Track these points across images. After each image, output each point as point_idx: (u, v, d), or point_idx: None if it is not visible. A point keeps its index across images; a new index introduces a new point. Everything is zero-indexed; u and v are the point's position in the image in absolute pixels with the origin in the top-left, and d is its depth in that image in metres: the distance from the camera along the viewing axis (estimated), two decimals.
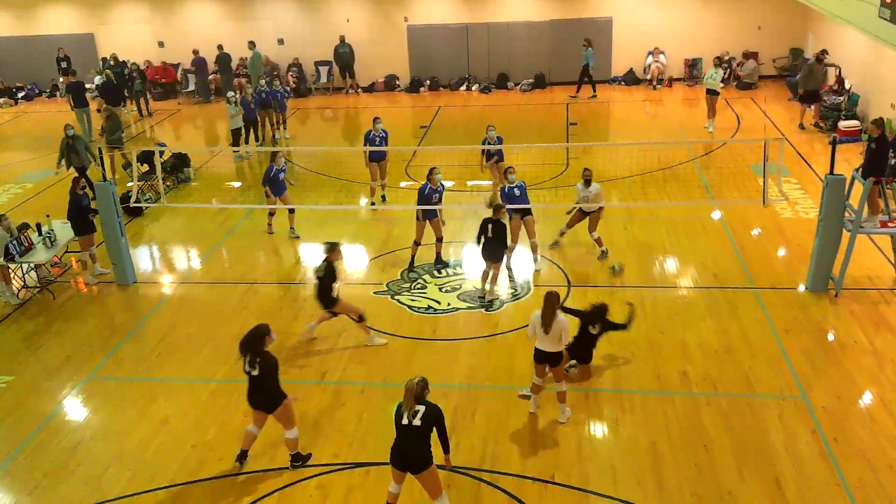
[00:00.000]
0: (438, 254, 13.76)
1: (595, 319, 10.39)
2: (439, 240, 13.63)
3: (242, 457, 9.12)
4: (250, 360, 8.58)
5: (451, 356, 11.10)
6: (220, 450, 9.42)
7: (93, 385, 10.93)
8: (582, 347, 10.45)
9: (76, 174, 16.59)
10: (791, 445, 9.01)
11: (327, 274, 10.97)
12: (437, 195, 13.29)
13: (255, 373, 8.59)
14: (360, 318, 11.34)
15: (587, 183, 13.57)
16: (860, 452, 8.86)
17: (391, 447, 7.82)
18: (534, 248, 13.48)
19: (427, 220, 13.40)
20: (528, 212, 13.35)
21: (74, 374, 11.16)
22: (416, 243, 13.59)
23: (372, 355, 11.18)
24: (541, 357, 9.34)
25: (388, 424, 9.61)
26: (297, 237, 15.27)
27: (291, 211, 15.34)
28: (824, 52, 20.45)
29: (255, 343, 8.62)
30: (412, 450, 7.67)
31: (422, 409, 7.55)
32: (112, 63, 25.94)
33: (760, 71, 25.38)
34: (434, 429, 7.62)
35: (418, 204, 13.36)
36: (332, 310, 11.28)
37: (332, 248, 11.04)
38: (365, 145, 16.32)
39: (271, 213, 15.55)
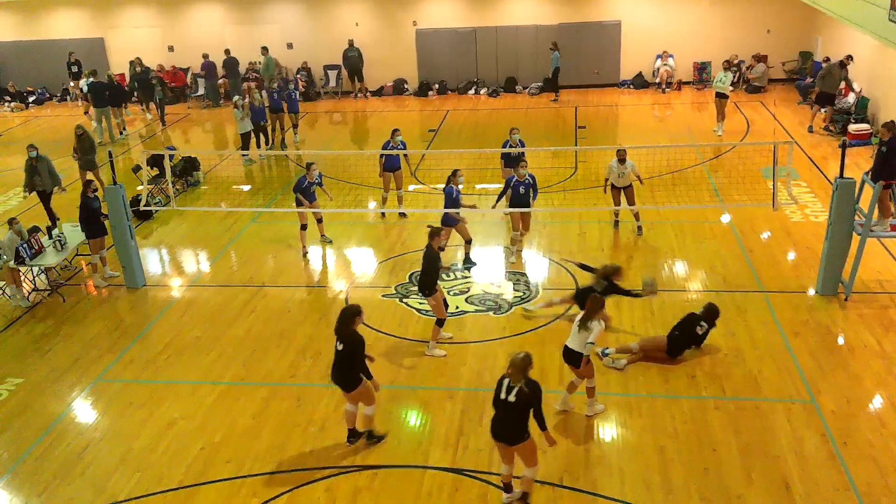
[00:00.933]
0: (468, 255, 13.89)
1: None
2: (468, 242, 13.80)
3: (352, 435, 9.37)
4: (339, 336, 8.84)
5: (459, 359, 11.09)
6: (228, 452, 9.44)
7: (101, 387, 10.97)
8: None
9: (40, 194, 16.07)
10: (799, 448, 8.97)
11: (431, 260, 10.91)
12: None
13: (340, 347, 8.82)
14: (440, 322, 11.22)
15: (622, 161, 14.23)
16: (869, 456, 8.81)
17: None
18: (514, 241, 14.01)
19: (453, 226, 13.53)
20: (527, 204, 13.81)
21: (83, 377, 11.21)
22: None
23: (378, 358, 11.17)
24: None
25: (395, 427, 9.70)
26: (330, 241, 15.15)
27: (320, 220, 15.05)
28: (849, 57, 20.10)
29: (346, 321, 8.81)
30: (507, 426, 7.92)
31: (519, 384, 7.73)
32: (137, 69, 25.92)
33: (770, 74, 25.32)
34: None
35: (447, 207, 13.41)
36: (428, 299, 11.08)
37: (435, 233, 10.98)
38: (382, 156, 15.95)
39: (303, 227, 14.68)
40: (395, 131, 15.99)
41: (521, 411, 7.78)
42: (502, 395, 7.79)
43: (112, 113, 23.25)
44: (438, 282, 11.09)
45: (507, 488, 8.40)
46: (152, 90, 25.18)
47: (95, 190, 13.73)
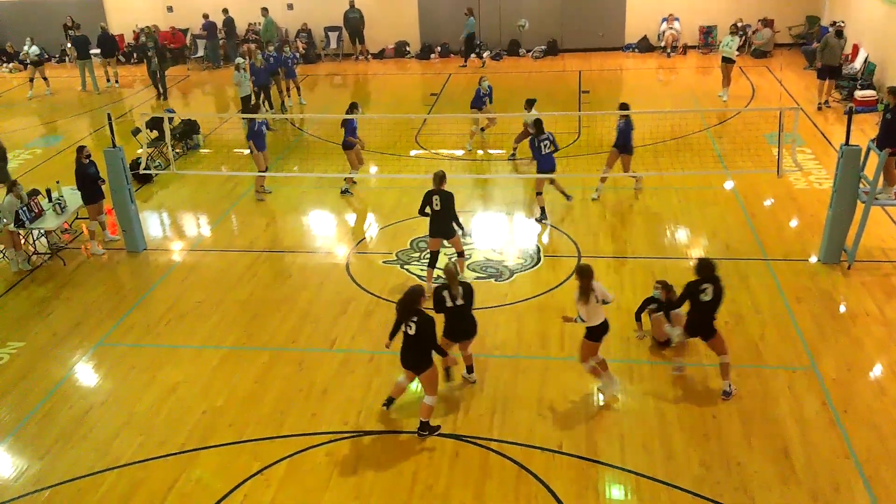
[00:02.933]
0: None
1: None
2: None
3: (389, 402, 9.43)
4: (408, 320, 8.73)
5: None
6: (230, 416, 9.47)
7: (103, 351, 10.98)
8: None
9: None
10: (800, 415, 8.99)
11: (445, 203, 11.33)
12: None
13: (412, 332, 8.70)
14: (461, 255, 11.86)
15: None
16: (869, 422, 8.83)
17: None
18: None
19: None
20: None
21: (84, 341, 11.22)
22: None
23: (381, 324, 11.17)
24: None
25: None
26: (269, 192, 15.85)
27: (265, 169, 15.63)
28: (841, 22, 19.83)
29: (413, 302, 8.73)
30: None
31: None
32: (146, 34, 24.67)
33: (776, 39, 25.02)
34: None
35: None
36: (450, 241, 11.69)
37: (441, 178, 11.38)
38: (476, 101, 17.62)
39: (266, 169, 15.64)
40: (482, 78, 17.85)
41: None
42: (448, 304, 9.14)
43: (106, 63, 25.02)
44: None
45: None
46: (148, 60, 23.58)
47: (89, 155, 13.56)
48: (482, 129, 18.07)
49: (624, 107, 14.57)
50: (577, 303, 8.99)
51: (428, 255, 11.93)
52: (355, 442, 8.97)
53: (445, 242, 11.82)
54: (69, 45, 27.02)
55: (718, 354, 9.35)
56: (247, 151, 18.43)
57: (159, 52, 23.33)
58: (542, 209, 14.02)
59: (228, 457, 8.85)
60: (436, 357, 8.90)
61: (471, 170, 16.78)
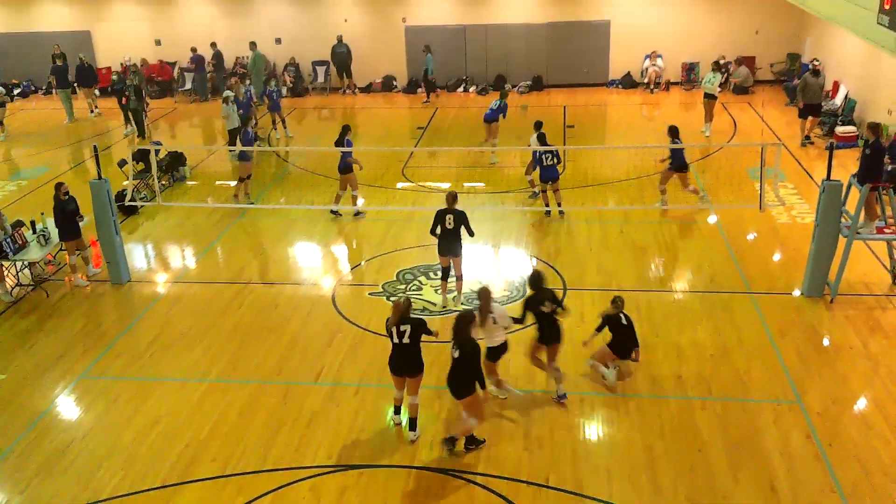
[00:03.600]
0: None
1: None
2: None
3: (450, 442, 9.23)
4: (456, 342, 8.85)
5: (446, 358, 10.98)
6: (213, 449, 9.38)
7: (85, 383, 10.88)
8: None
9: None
10: (785, 449, 9.00)
11: (458, 222, 11.83)
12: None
13: (457, 355, 8.80)
14: (459, 278, 12.14)
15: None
16: (855, 457, 8.85)
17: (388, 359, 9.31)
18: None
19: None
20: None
21: (67, 373, 11.11)
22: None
23: (367, 356, 11.14)
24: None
25: (383, 426, 9.67)
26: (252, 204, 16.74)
27: (249, 178, 16.84)
28: (816, 61, 20.07)
29: (464, 327, 8.81)
30: (405, 362, 9.13)
31: (408, 327, 8.98)
32: (113, 77, 24.84)
33: (757, 76, 25.42)
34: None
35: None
36: (455, 261, 12.10)
37: (454, 197, 12.04)
38: (491, 112, 18.78)
39: (242, 180, 16.77)
40: (502, 91, 19.34)
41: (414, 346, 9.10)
42: (395, 339, 9.10)
43: (83, 94, 25.51)
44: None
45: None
46: (126, 99, 22.52)
47: (67, 192, 13.40)
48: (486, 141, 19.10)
49: (674, 131, 15.54)
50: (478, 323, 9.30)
51: (415, 285, 11.95)
52: (340, 476, 8.90)
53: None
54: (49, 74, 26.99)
55: (550, 362, 9.92)
56: (233, 183, 18.48)
57: (137, 90, 22.27)
58: (549, 205, 15.50)
59: (212, 490, 8.75)
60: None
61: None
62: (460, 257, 12.14)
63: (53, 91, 27.72)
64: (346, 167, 15.45)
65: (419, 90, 27.01)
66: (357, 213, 16.04)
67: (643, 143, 20.08)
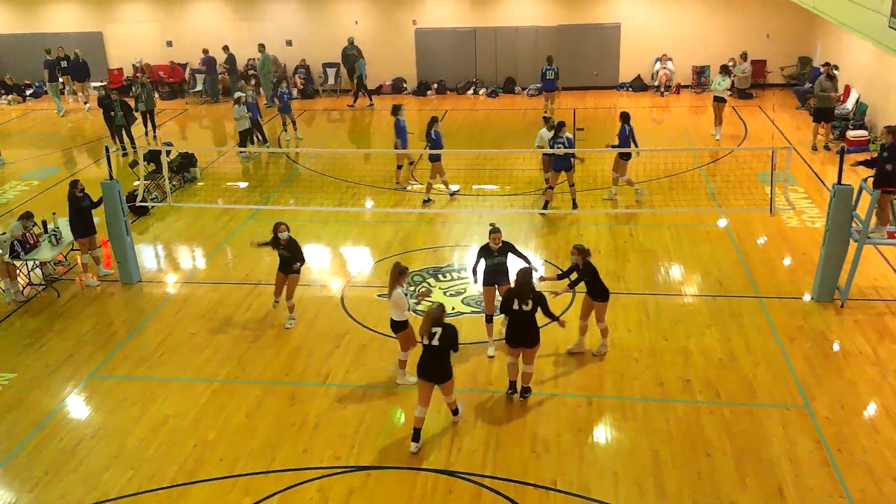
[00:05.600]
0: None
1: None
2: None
3: (513, 388, 10.09)
4: (522, 297, 9.60)
5: (454, 360, 11.01)
6: (221, 450, 9.41)
7: (94, 383, 10.93)
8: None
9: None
10: (793, 455, 8.97)
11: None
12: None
13: (528, 307, 9.57)
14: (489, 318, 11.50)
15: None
16: (863, 462, 8.81)
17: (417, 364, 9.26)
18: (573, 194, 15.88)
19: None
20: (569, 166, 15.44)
21: (76, 373, 11.17)
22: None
23: (375, 358, 11.16)
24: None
25: (389, 428, 9.68)
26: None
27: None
28: (827, 65, 19.86)
29: (526, 281, 9.68)
30: (436, 366, 9.14)
31: (439, 330, 9.00)
32: (101, 91, 22.40)
33: (768, 79, 25.34)
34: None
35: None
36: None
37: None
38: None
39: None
40: (549, 57, 21.93)
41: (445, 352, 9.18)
42: (424, 342, 9.11)
43: (77, 88, 27.08)
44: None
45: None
46: (112, 114, 21.03)
47: (83, 189, 13.56)
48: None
49: (625, 117, 15.97)
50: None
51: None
52: (347, 477, 8.91)
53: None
54: (60, 77, 27.07)
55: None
56: (243, 185, 18.55)
57: (124, 104, 21.00)
58: (547, 203, 15.83)
59: (219, 491, 8.77)
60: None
61: (468, 205, 16.84)
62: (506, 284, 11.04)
63: (65, 91, 27.90)
64: (434, 157, 16.24)
65: (428, 92, 27.03)
66: (452, 195, 17.03)
67: (653, 146, 20.04)
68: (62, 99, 26.77)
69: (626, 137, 15.80)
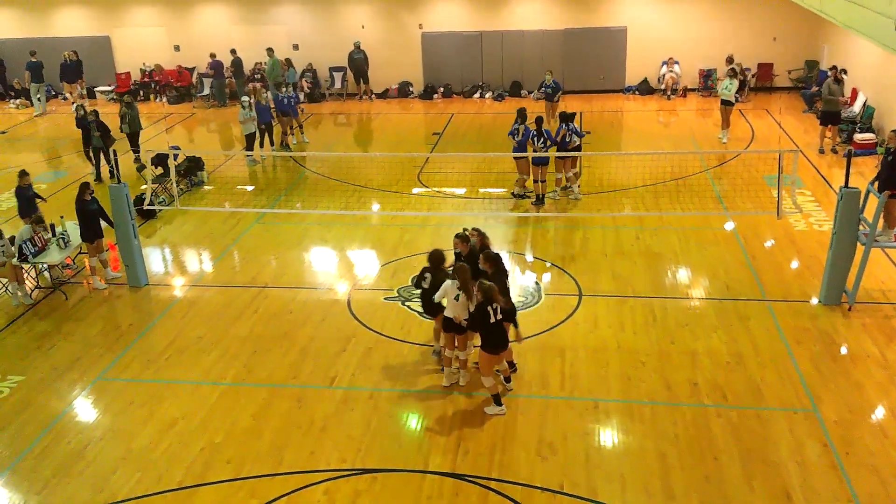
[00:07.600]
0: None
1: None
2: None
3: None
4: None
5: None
6: (228, 453, 9.43)
7: (102, 386, 10.96)
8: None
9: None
10: (801, 458, 8.94)
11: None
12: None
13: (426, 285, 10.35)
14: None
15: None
16: (871, 465, 8.78)
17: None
18: (574, 178, 16.61)
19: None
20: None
21: (84, 375, 11.20)
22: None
23: (381, 361, 11.17)
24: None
25: (396, 430, 9.69)
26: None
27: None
28: (835, 69, 19.77)
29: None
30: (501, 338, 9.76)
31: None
32: (80, 112, 20.06)
33: (775, 82, 25.31)
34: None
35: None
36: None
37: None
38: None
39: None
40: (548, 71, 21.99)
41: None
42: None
43: (69, 89, 27.73)
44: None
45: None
46: (90, 136, 19.51)
47: (92, 192, 13.64)
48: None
49: (565, 116, 16.62)
50: None
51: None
52: (354, 480, 8.92)
53: None
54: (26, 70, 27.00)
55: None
56: (250, 188, 18.62)
57: (101, 125, 19.22)
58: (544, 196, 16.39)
59: (226, 493, 8.79)
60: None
61: (472, 208, 16.86)
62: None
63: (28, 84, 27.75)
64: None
65: (435, 96, 27.07)
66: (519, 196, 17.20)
67: (659, 149, 20.04)
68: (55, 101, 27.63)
69: (563, 137, 16.37)
